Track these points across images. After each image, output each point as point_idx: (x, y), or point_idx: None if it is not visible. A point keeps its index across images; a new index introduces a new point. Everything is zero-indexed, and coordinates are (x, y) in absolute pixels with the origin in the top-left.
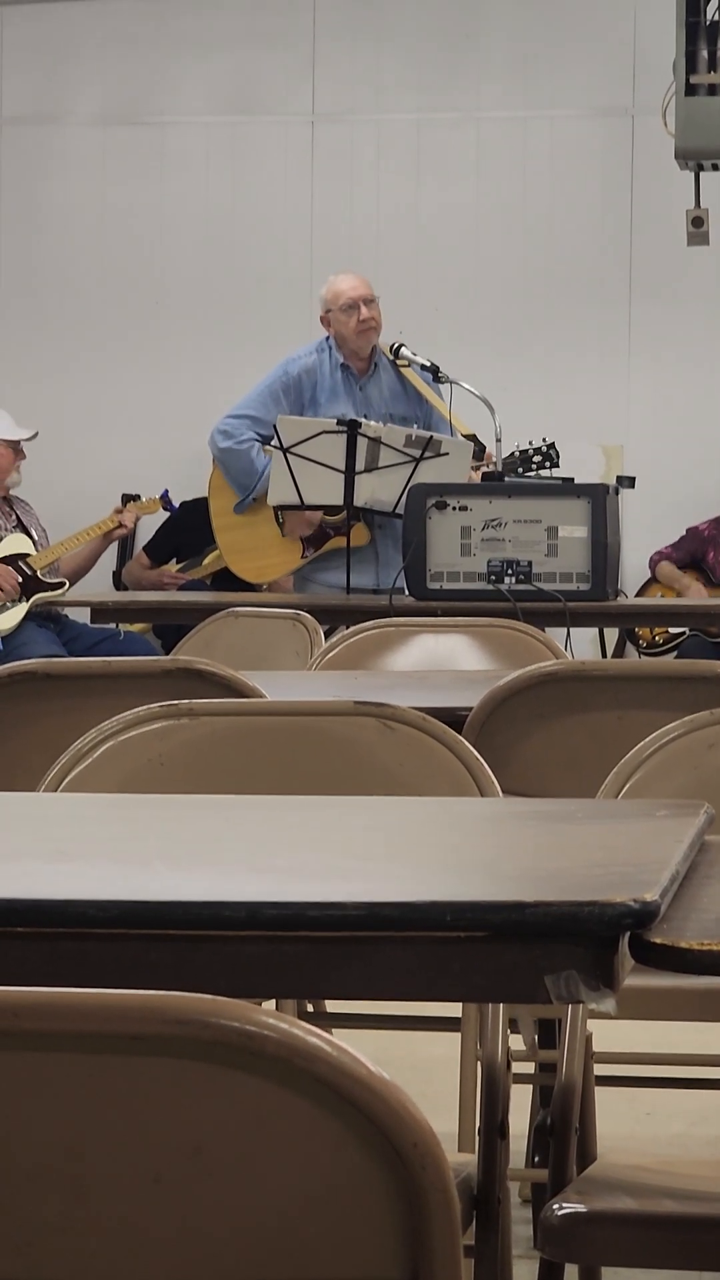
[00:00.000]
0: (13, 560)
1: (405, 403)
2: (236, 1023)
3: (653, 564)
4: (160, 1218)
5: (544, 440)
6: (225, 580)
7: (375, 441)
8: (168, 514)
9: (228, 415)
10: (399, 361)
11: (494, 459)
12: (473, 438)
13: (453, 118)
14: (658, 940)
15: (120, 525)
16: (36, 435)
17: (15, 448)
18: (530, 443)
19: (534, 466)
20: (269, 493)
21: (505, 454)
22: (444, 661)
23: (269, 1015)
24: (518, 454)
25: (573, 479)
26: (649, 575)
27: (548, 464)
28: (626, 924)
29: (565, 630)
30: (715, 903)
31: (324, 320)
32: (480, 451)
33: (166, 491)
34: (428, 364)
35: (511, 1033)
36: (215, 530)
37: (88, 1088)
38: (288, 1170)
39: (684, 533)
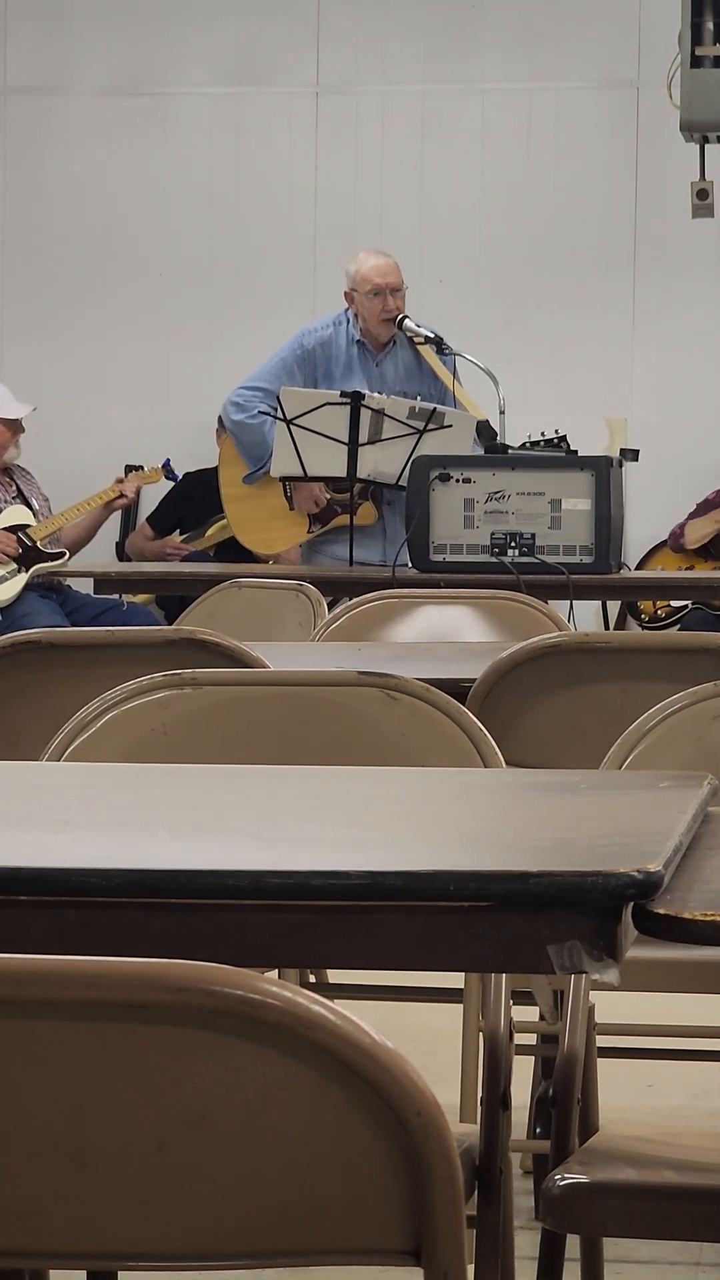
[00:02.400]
0: (12, 531)
1: (420, 381)
2: (239, 991)
3: (677, 536)
4: (163, 1186)
5: (555, 431)
6: (229, 551)
7: (379, 413)
8: (170, 484)
9: (240, 386)
10: (408, 334)
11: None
12: (485, 424)
13: (457, 89)
14: (661, 911)
15: (121, 495)
16: (35, 410)
17: (13, 425)
18: (542, 433)
19: None
20: (273, 464)
21: (516, 442)
22: (447, 633)
23: (272, 983)
24: (529, 444)
25: (576, 451)
26: (667, 550)
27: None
28: (630, 894)
29: (568, 603)
30: (718, 874)
31: (348, 296)
32: (491, 436)
33: (168, 461)
34: (432, 335)
35: (517, 1004)
36: (224, 500)
37: (90, 1056)
38: (291, 1139)
39: (695, 507)
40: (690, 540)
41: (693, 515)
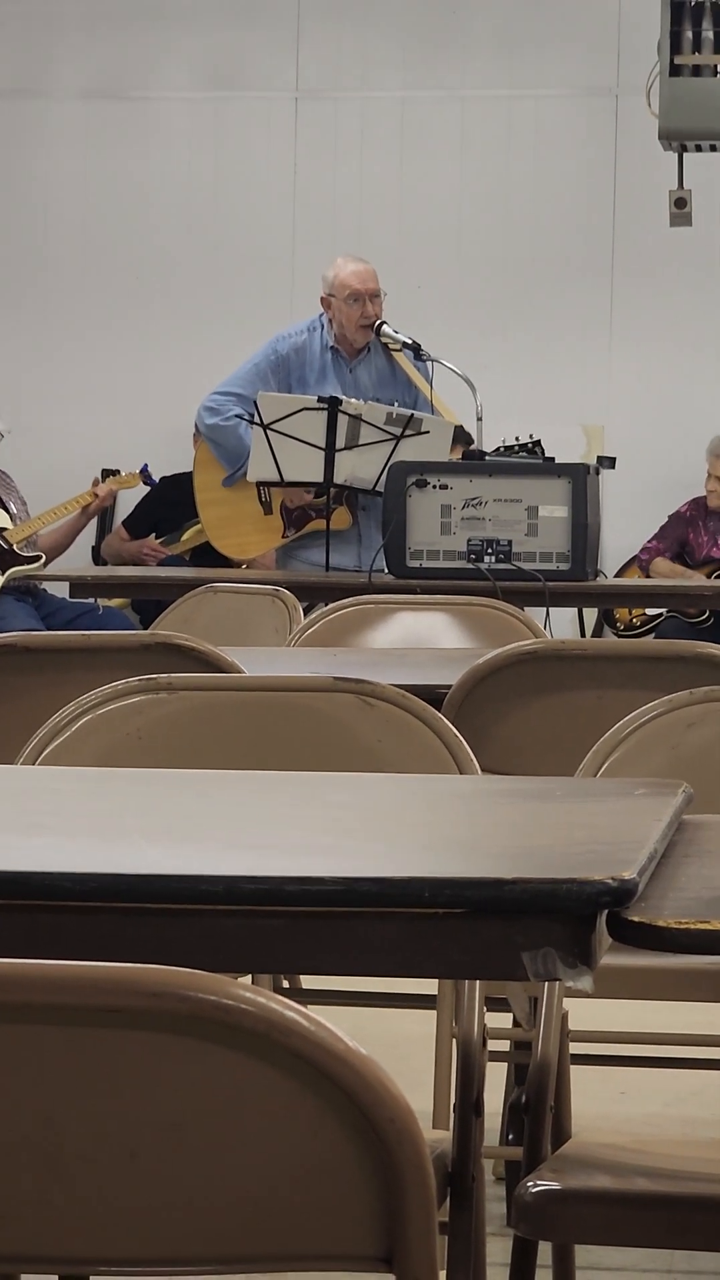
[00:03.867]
0: None
1: (394, 387)
2: (213, 996)
3: (644, 563)
4: (136, 1192)
5: (530, 436)
6: (204, 556)
7: (356, 419)
8: (147, 489)
9: (214, 391)
10: (385, 341)
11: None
12: (460, 429)
13: (437, 96)
14: (635, 918)
15: (96, 497)
16: (10, 432)
17: None
18: (516, 438)
19: None
20: (249, 469)
21: (490, 447)
22: (423, 639)
23: (246, 989)
24: (503, 449)
25: (553, 459)
26: (636, 568)
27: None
28: (604, 902)
29: (544, 610)
30: (693, 882)
31: (324, 301)
32: (468, 441)
33: (146, 466)
34: (409, 341)
35: (492, 1011)
36: (199, 506)
37: (64, 1061)
38: (264, 1145)
39: (665, 520)
40: (657, 575)
41: (659, 537)
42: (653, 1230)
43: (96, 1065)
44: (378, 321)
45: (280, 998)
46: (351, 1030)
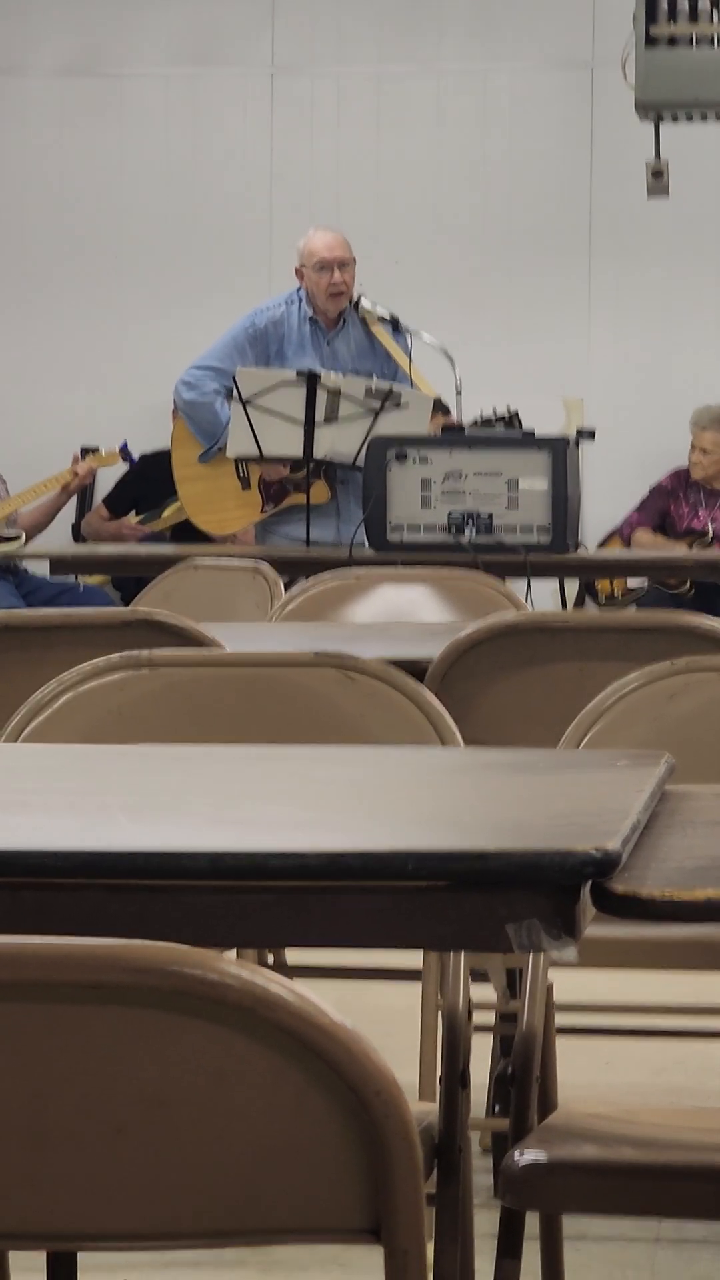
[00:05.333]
0: None
1: (372, 359)
2: (198, 971)
3: (626, 536)
4: (123, 1167)
5: (507, 408)
6: (185, 532)
7: (335, 393)
8: (127, 466)
9: (192, 366)
10: (362, 313)
11: (456, 421)
12: (438, 400)
13: (412, 70)
14: (619, 889)
15: (75, 475)
16: None
17: None
18: (494, 410)
19: None
20: (228, 445)
21: (466, 418)
22: (405, 613)
23: (230, 964)
24: (480, 421)
25: (533, 431)
26: (618, 540)
27: None
28: (588, 873)
29: (526, 582)
30: (676, 852)
31: (298, 272)
32: (446, 411)
33: (125, 444)
34: (388, 315)
35: (478, 983)
36: (177, 482)
37: (49, 1037)
38: (250, 1118)
39: (647, 493)
40: (639, 547)
41: (640, 510)
42: (639, 1199)
43: (82, 1041)
44: (357, 295)
45: (265, 972)
46: (337, 1004)
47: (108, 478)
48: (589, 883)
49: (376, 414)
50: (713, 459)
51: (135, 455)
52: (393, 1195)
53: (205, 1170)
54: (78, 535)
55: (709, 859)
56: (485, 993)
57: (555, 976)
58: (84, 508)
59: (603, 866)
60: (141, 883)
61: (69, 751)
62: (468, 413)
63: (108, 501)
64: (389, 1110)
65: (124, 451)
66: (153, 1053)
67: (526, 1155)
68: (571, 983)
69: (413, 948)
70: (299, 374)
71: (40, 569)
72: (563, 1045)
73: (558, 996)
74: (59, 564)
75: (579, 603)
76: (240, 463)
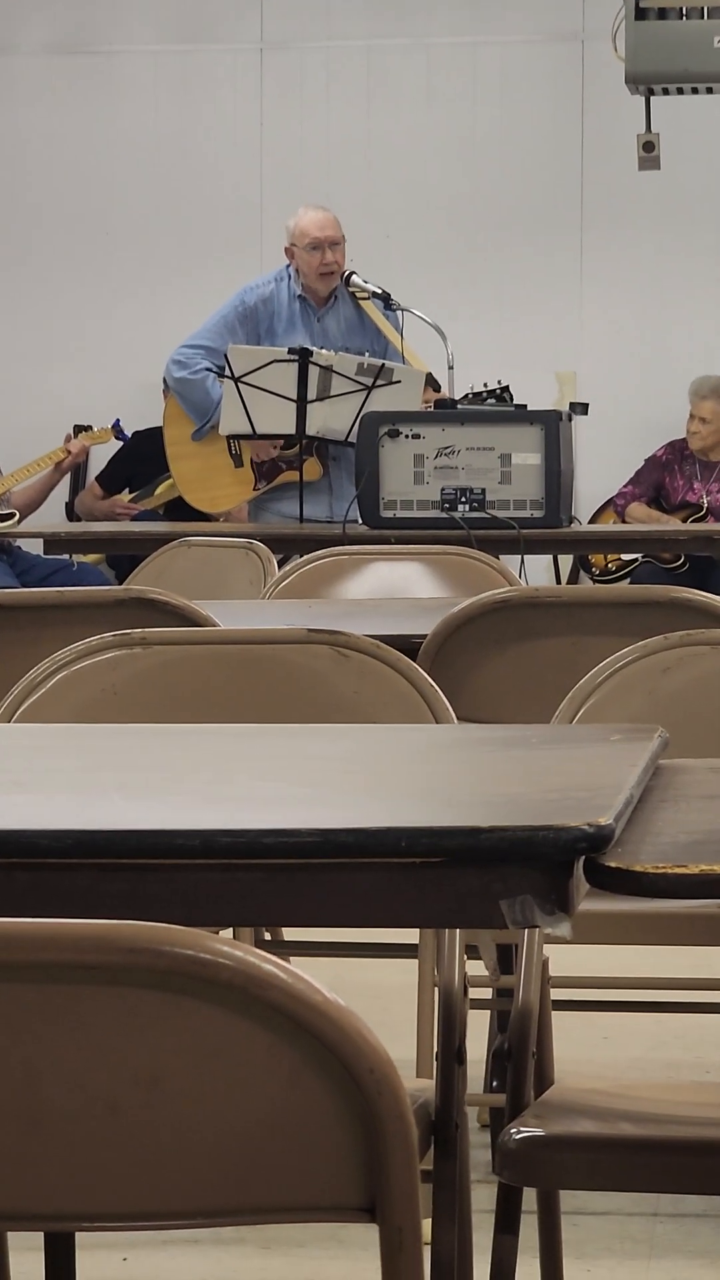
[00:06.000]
0: None
1: (362, 336)
2: (190, 951)
3: (620, 508)
4: (117, 1147)
5: (499, 382)
6: (178, 510)
7: (327, 370)
8: (120, 444)
9: (182, 345)
10: (353, 290)
11: (447, 395)
12: (430, 376)
13: (402, 44)
14: (612, 864)
15: (68, 454)
16: None
17: None
18: (485, 384)
19: None
20: (221, 423)
21: (458, 393)
22: (398, 589)
23: (223, 943)
24: (471, 395)
25: (525, 406)
26: (612, 512)
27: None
28: (581, 848)
29: (519, 557)
30: (670, 826)
31: (288, 251)
32: (437, 387)
33: (118, 421)
34: (379, 291)
35: (471, 959)
36: (169, 460)
37: (42, 1018)
38: (244, 1098)
39: (642, 464)
40: (632, 520)
41: (634, 482)
42: (637, 1174)
43: (75, 1022)
44: (347, 271)
45: (258, 951)
46: (333, 981)
47: (100, 456)
48: (583, 858)
49: (369, 390)
50: (711, 429)
51: (128, 433)
52: (387, 1173)
53: (199, 1149)
54: (71, 514)
55: (703, 833)
56: (483, 968)
57: (551, 951)
58: (77, 486)
59: (596, 842)
60: (134, 862)
61: (62, 730)
62: (459, 388)
63: (101, 480)
64: (383, 1088)
65: (117, 429)
66: (146, 1032)
67: (523, 1131)
68: (568, 958)
69: (407, 925)
70: (291, 351)
71: (34, 548)
72: (559, 1020)
73: (554, 971)
74: (53, 543)
75: (573, 577)
76: (232, 440)
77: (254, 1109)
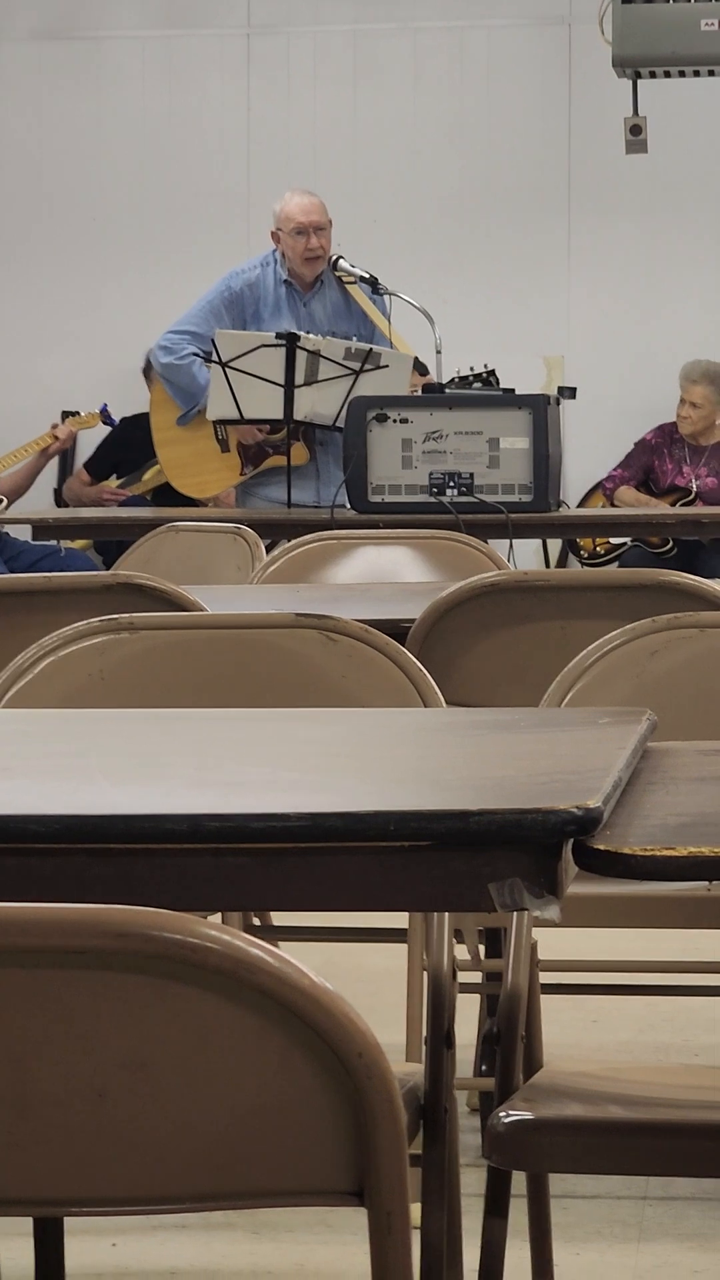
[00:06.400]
0: None
1: (349, 320)
2: (178, 935)
3: (609, 491)
4: (106, 1132)
5: (485, 366)
6: (166, 496)
7: (314, 355)
8: (108, 429)
9: (168, 330)
10: (339, 275)
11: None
12: (417, 361)
13: (389, 28)
14: (601, 846)
15: (55, 439)
16: None
17: None
18: (471, 368)
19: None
20: (208, 408)
21: (445, 378)
22: (386, 574)
23: (211, 927)
24: (457, 379)
25: (513, 390)
26: (601, 496)
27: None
28: (570, 831)
29: (508, 541)
30: (658, 809)
31: (274, 235)
32: (424, 372)
33: (106, 406)
34: (366, 275)
35: (457, 943)
36: (156, 445)
37: (30, 1002)
38: (233, 1083)
39: (631, 448)
40: (621, 503)
41: (624, 465)
42: (626, 1157)
43: (63, 1006)
44: (334, 256)
45: (246, 935)
46: (323, 965)
47: (88, 442)
48: (571, 841)
49: (356, 375)
50: (702, 413)
51: (116, 418)
52: (376, 1157)
53: (187, 1134)
54: (59, 499)
55: (691, 816)
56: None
57: (540, 935)
58: (65, 472)
59: (585, 824)
60: (122, 847)
61: (50, 716)
62: (447, 372)
63: (88, 465)
64: (371, 1072)
65: (104, 414)
66: (134, 1017)
67: (512, 1114)
68: (556, 941)
69: (395, 909)
70: (279, 336)
71: (22, 534)
72: (548, 1004)
73: (542, 955)
74: (41, 529)
75: (562, 561)
76: (218, 425)
77: (242, 1093)
